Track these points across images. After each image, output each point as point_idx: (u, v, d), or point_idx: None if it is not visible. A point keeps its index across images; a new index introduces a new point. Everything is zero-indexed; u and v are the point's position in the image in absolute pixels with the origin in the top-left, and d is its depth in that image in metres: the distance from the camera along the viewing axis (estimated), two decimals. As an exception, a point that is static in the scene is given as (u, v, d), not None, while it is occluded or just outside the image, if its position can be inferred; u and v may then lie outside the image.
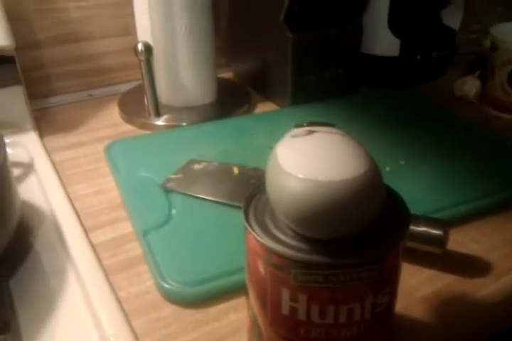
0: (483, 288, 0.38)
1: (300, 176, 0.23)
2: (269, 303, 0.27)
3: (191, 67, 0.65)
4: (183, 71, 0.65)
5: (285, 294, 0.26)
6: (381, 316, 0.27)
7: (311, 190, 0.23)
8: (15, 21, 0.62)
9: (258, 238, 0.25)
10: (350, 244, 0.25)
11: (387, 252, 0.25)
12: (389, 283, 0.27)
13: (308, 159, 0.25)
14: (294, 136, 0.27)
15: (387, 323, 0.29)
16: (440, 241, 0.39)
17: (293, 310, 0.26)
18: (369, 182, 0.23)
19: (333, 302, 0.25)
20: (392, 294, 0.28)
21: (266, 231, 0.26)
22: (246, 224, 0.27)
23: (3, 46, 0.56)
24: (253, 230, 0.26)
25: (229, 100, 0.71)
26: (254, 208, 0.28)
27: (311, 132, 0.27)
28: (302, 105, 0.67)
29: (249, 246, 0.27)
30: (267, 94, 0.72)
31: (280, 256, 0.25)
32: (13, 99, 0.60)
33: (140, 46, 0.59)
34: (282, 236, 0.26)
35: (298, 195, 0.23)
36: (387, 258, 0.25)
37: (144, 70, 0.61)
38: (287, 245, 0.25)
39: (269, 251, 0.25)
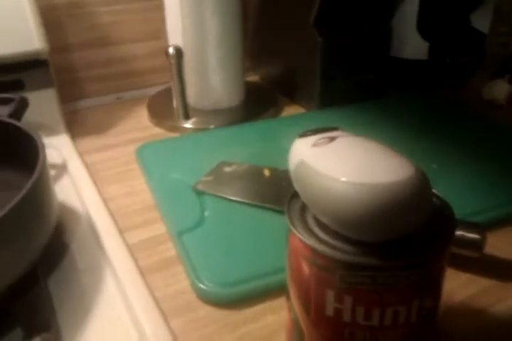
0: (521, 293, 0.38)
1: (350, 180, 0.23)
2: (312, 304, 0.27)
3: (220, 70, 0.66)
4: (212, 74, 0.65)
5: (330, 295, 0.26)
6: (426, 320, 0.27)
7: (364, 193, 0.23)
8: (48, 25, 0.63)
9: (304, 239, 0.25)
10: (398, 246, 0.24)
11: (436, 255, 0.25)
12: (435, 286, 0.27)
13: (350, 164, 0.25)
14: (316, 145, 0.27)
15: (432, 327, 0.29)
16: (478, 245, 0.38)
17: (337, 312, 0.26)
18: (420, 184, 0.23)
19: (379, 304, 0.25)
20: (437, 298, 0.28)
21: (310, 232, 0.26)
22: (290, 225, 0.27)
23: (37, 50, 0.57)
24: (298, 231, 0.26)
25: (256, 103, 0.71)
26: (297, 209, 0.28)
27: (332, 139, 0.27)
28: (329, 108, 0.67)
29: (292, 247, 0.27)
30: (293, 97, 0.72)
31: (327, 257, 0.25)
32: (46, 101, 0.61)
33: (171, 50, 0.60)
34: (327, 238, 0.25)
35: (350, 200, 0.23)
36: (435, 261, 0.25)
37: (174, 73, 0.61)
38: (334, 246, 0.25)
39: (315, 252, 0.25)
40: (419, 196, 0.24)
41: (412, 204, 0.23)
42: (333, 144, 0.27)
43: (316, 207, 0.25)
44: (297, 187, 0.27)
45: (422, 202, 0.24)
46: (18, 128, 0.44)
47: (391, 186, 0.23)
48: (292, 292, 0.29)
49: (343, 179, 0.24)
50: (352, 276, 0.25)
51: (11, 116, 0.48)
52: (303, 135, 0.30)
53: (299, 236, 0.26)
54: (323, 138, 0.28)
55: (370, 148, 0.27)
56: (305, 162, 0.26)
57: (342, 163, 0.25)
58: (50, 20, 0.66)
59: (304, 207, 0.28)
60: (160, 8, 0.65)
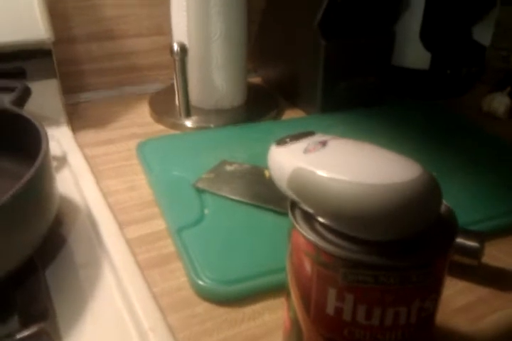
0: (517, 302, 0.38)
1: (360, 181, 0.24)
2: (313, 303, 0.27)
3: (223, 70, 0.66)
4: (215, 74, 0.66)
5: (331, 294, 0.26)
6: (425, 322, 0.27)
7: (376, 194, 0.23)
8: (53, 16, 0.63)
9: (308, 236, 0.25)
10: (402, 246, 0.25)
11: (439, 256, 0.25)
12: (436, 288, 0.27)
13: (354, 166, 0.25)
14: (309, 151, 0.27)
15: (430, 330, 0.29)
16: (476, 253, 0.39)
17: (338, 310, 0.26)
18: (430, 183, 0.24)
19: (380, 304, 0.25)
20: (437, 301, 0.28)
21: (314, 229, 0.26)
22: (294, 222, 0.27)
23: (42, 39, 0.57)
24: (301, 228, 0.26)
25: (257, 105, 0.71)
26: (299, 209, 0.28)
27: (323, 143, 0.27)
28: (330, 113, 0.67)
29: (295, 244, 0.27)
30: (295, 101, 0.72)
31: (330, 254, 0.25)
32: (48, 92, 0.60)
33: (176, 46, 0.60)
34: (331, 235, 0.26)
35: (361, 201, 0.23)
36: (437, 263, 0.25)
37: (178, 70, 0.61)
38: (337, 244, 0.25)
39: (319, 249, 0.25)
40: (430, 196, 0.24)
41: (422, 204, 0.24)
42: (328, 148, 0.27)
43: (323, 213, 0.25)
44: (297, 194, 0.26)
45: (431, 202, 0.24)
46: (21, 116, 0.44)
47: (402, 186, 0.23)
48: (293, 290, 0.29)
49: (353, 180, 0.24)
50: (355, 274, 0.25)
51: (13, 103, 0.47)
52: (281, 143, 0.29)
53: (303, 232, 0.26)
54: (313, 143, 0.28)
55: (367, 150, 0.27)
56: (304, 168, 0.26)
57: (345, 166, 0.25)
58: (56, 11, 0.66)
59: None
60: (165, 3, 0.65)
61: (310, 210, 0.26)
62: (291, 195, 0.27)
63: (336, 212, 0.24)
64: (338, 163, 0.26)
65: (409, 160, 0.26)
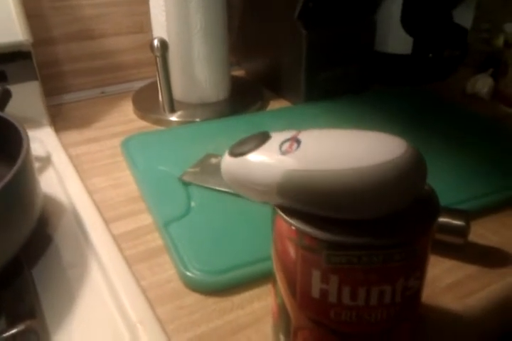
0: (505, 279, 0.38)
1: (338, 167, 0.24)
2: (298, 287, 0.27)
3: (205, 63, 0.65)
4: (198, 68, 0.65)
5: (316, 276, 0.26)
6: (410, 300, 0.27)
7: (368, 174, 0.23)
8: (31, 18, 0.63)
9: (290, 221, 0.25)
10: (383, 225, 0.25)
11: (421, 234, 0.25)
12: (419, 267, 0.27)
13: (334, 153, 0.25)
14: (287, 152, 0.26)
15: (415, 308, 0.29)
16: (462, 232, 0.39)
17: (323, 293, 0.26)
18: (414, 159, 0.24)
19: (365, 283, 0.25)
20: (422, 279, 0.28)
21: (296, 214, 0.26)
22: (276, 208, 0.27)
23: (20, 41, 0.57)
24: (283, 213, 0.26)
25: (242, 97, 0.71)
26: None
27: (296, 140, 0.26)
28: (315, 102, 0.67)
29: (278, 230, 0.27)
30: (279, 92, 0.72)
31: (313, 237, 0.25)
32: (30, 94, 0.60)
33: (156, 42, 0.59)
34: (312, 218, 0.26)
35: (354, 185, 0.23)
36: (420, 241, 0.25)
37: (160, 66, 0.61)
38: (319, 226, 0.25)
39: (302, 233, 0.25)
40: (415, 171, 0.24)
41: (409, 180, 0.24)
42: (305, 144, 0.26)
43: (318, 206, 0.25)
44: (292, 197, 0.25)
45: (418, 177, 0.25)
46: (1, 118, 0.44)
47: (393, 163, 0.23)
48: (278, 276, 0.29)
49: (353, 167, 0.24)
50: (338, 256, 0.25)
51: (-7, 106, 0.47)
52: (239, 153, 0.27)
53: (285, 217, 0.26)
54: (285, 143, 0.27)
55: (342, 135, 0.27)
56: (296, 169, 0.25)
57: (329, 154, 0.25)
58: (33, 12, 0.65)
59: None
60: (143, 1, 0.65)
61: (303, 208, 0.25)
62: (277, 200, 0.26)
63: (333, 202, 0.24)
64: (327, 155, 0.25)
65: (391, 137, 0.26)
